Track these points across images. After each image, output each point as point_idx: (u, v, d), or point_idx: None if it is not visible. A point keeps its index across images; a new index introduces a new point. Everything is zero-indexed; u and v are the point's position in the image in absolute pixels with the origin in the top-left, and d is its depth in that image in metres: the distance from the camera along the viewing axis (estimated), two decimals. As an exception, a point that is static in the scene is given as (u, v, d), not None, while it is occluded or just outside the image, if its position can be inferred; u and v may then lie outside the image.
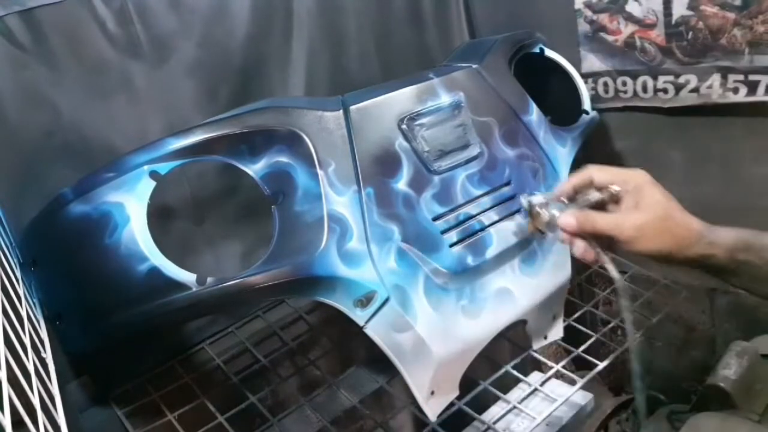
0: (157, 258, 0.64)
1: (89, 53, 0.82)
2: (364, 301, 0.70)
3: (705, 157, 1.07)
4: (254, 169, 0.70)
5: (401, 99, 0.79)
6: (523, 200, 0.72)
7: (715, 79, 0.98)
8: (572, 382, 0.86)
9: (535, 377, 0.92)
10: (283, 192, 0.70)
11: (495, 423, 0.82)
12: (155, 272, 0.64)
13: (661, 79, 1.04)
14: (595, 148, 1.03)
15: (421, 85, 0.81)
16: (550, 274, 0.84)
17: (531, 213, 0.71)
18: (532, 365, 1.01)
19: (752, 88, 0.95)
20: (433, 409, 0.76)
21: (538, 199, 0.70)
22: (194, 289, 0.64)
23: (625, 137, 1.17)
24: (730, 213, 0.75)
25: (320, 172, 0.70)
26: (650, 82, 1.06)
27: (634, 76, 1.08)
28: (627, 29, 1.05)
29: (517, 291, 0.81)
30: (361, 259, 0.70)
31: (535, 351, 0.90)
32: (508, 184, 0.83)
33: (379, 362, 0.82)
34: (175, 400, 0.85)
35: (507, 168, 0.84)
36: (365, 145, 0.74)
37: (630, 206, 0.65)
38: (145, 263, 0.64)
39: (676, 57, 1.01)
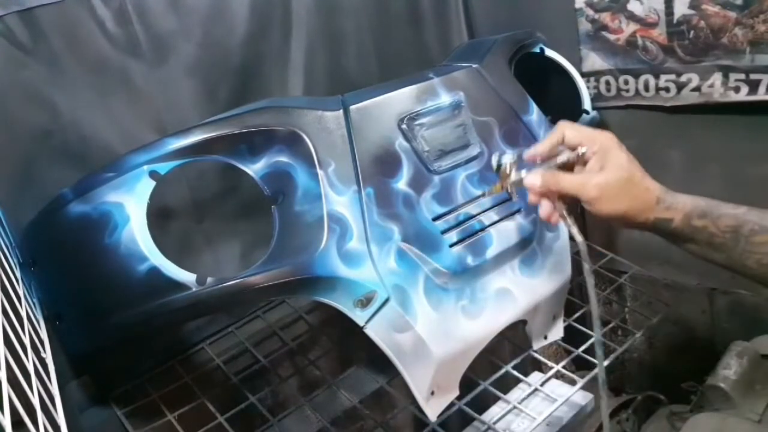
0: (156, 258, 0.64)
1: (88, 53, 0.82)
2: (364, 301, 0.69)
3: (705, 157, 1.07)
4: (254, 169, 0.70)
5: (401, 99, 0.79)
6: (494, 158, 0.72)
7: (717, 78, 0.98)
8: (572, 382, 0.86)
9: (535, 377, 0.92)
10: (283, 192, 0.70)
11: (495, 423, 0.82)
12: (155, 272, 0.64)
13: (663, 77, 1.04)
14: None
15: (421, 84, 0.81)
16: (550, 274, 0.84)
17: (500, 172, 0.70)
18: (532, 365, 1.01)
19: (753, 87, 0.95)
20: (433, 409, 0.76)
21: (508, 158, 0.70)
22: (194, 289, 0.64)
23: (625, 136, 1.15)
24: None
25: (320, 172, 0.70)
26: (652, 81, 1.06)
27: (636, 75, 1.08)
28: (629, 28, 1.05)
29: (517, 291, 0.80)
30: (361, 259, 0.69)
31: (535, 351, 0.90)
32: (508, 183, 0.83)
33: (379, 362, 0.82)
34: (175, 400, 0.85)
35: (507, 168, 0.84)
36: (365, 145, 0.74)
37: (595, 168, 0.66)
38: (145, 263, 0.64)
39: (678, 56, 1.01)
